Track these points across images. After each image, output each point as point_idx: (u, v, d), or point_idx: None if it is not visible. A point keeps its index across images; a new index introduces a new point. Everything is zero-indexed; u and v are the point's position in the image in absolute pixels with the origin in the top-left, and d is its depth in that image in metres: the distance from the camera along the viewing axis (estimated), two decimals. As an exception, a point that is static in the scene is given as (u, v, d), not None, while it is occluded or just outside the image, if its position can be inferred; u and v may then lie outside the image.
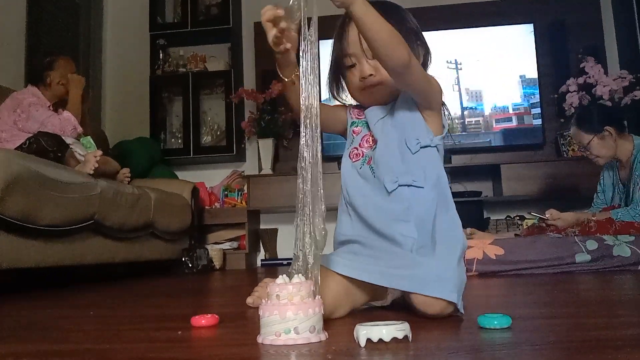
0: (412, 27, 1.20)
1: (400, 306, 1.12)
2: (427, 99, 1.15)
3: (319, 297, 0.84)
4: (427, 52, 1.23)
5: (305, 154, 0.90)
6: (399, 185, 1.12)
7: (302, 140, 0.91)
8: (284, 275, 0.84)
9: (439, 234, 1.09)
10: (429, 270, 1.00)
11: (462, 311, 1.01)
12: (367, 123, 1.24)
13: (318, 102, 0.92)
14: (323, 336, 0.82)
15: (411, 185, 1.11)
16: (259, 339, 0.81)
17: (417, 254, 1.06)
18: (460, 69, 4.08)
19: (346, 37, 1.17)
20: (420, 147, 1.14)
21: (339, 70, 1.23)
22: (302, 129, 0.91)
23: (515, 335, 0.83)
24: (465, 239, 1.14)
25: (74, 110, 2.79)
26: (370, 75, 1.16)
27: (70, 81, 2.85)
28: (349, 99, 1.30)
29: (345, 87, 1.25)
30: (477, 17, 4.13)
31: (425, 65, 1.23)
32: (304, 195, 0.88)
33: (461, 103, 4.04)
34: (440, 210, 1.11)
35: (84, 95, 2.92)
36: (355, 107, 1.29)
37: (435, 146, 1.17)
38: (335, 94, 1.29)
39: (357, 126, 1.27)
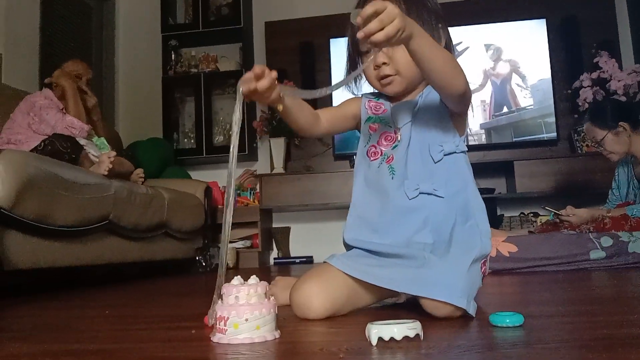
0: (433, 9, 1.15)
1: (413, 304, 1.11)
2: (465, 108, 1.11)
3: (273, 298, 0.89)
4: (449, 37, 1.18)
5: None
6: (420, 193, 1.08)
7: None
8: (239, 277, 0.90)
9: (455, 239, 1.06)
10: (438, 273, 0.98)
11: (473, 315, 0.97)
12: (386, 119, 1.17)
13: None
14: (277, 334, 0.87)
15: (431, 194, 1.08)
16: (214, 339, 0.85)
17: (432, 253, 1.04)
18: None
19: None
20: (444, 155, 1.10)
21: (357, 56, 1.17)
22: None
23: (528, 333, 0.83)
24: (489, 246, 1.08)
25: (74, 109, 2.77)
26: (384, 63, 1.11)
27: (60, 78, 2.82)
28: (364, 88, 1.23)
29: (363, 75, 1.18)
30: (489, 13, 4.11)
31: (449, 50, 1.17)
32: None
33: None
34: (459, 220, 1.08)
35: (80, 88, 2.89)
36: (372, 99, 1.22)
37: (462, 152, 1.13)
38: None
39: (374, 122, 1.19)
